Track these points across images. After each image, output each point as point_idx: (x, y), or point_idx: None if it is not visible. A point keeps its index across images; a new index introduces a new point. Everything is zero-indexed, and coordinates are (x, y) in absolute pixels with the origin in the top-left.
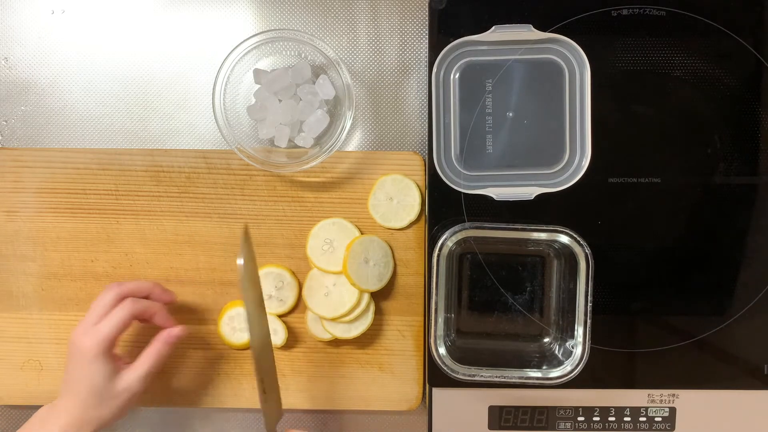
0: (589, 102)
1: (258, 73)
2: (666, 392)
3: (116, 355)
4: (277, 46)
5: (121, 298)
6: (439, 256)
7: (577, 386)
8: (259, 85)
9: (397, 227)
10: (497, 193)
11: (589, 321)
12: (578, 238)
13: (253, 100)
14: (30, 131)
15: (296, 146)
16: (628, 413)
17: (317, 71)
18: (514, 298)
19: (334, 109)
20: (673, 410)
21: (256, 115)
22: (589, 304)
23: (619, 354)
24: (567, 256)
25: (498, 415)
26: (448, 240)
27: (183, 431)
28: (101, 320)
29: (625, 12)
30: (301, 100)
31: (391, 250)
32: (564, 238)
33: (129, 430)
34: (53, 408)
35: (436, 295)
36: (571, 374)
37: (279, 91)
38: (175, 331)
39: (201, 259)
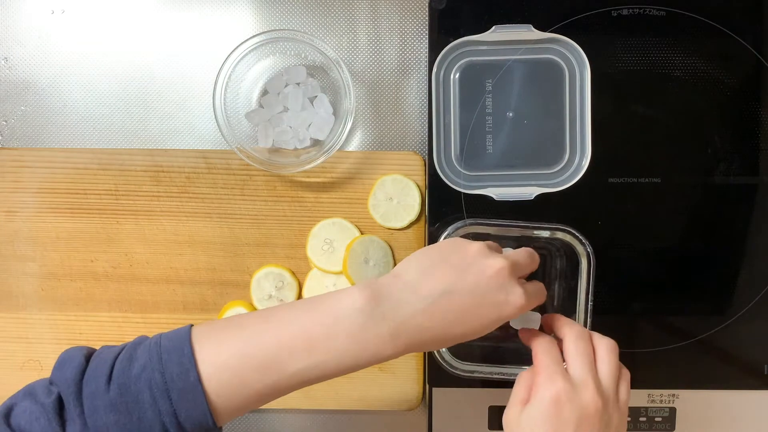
0: (589, 102)
1: (251, 116)
2: (666, 392)
3: None
4: (277, 47)
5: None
6: None
7: None
8: (264, 93)
9: (397, 227)
10: (497, 193)
11: (590, 320)
12: (579, 236)
13: (253, 105)
14: (30, 131)
15: (296, 147)
16: (628, 413)
17: (315, 72)
18: None
19: (334, 108)
20: (673, 410)
21: (256, 120)
22: (590, 303)
23: (619, 354)
24: (568, 254)
25: (498, 415)
26: (449, 237)
27: None
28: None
29: (625, 12)
30: (304, 109)
31: (391, 250)
32: (565, 237)
33: None
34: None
35: None
36: None
37: (274, 116)
38: None
39: (201, 259)
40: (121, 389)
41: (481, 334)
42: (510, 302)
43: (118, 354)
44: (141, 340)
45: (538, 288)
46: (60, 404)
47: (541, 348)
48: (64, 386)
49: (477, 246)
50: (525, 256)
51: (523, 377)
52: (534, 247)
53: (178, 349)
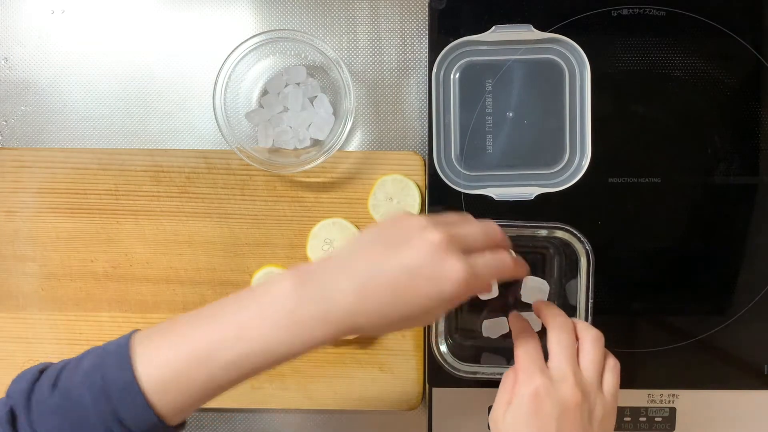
0: (589, 102)
1: (251, 116)
2: (666, 392)
3: None
4: (277, 47)
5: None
6: None
7: None
8: (264, 93)
9: None
10: (497, 193)
11: (590, 318)
12: (578, 235)
13: (253, 105)
14: (30, 131)
15: (296, 147)
16: (628, 413)
17: (315, 72)
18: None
19: (334, 109)
20: (673, 410)
21: (256, 120)
22: (590, 301)
23: (619, 354)
24: (567, 253)
25: None
26: None
27: None
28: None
29: (625, 12)
30: (304, 109)
31: None
32: (564, 235)
33: None
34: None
35: None
36: None
37: (274, 116)
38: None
39: (201, 259)
40: (64, 393)
41: (427, 318)
42: (448, 277)
43: (69, 362)
44: (94, 349)
45: (495, 259)
46: (12, 416)
47: (521, 346)
48: (16, 397)
49: (418, 219)
50: (475, 229)
51: (507, 377)
52: (533, 246)
53: (117, 352)
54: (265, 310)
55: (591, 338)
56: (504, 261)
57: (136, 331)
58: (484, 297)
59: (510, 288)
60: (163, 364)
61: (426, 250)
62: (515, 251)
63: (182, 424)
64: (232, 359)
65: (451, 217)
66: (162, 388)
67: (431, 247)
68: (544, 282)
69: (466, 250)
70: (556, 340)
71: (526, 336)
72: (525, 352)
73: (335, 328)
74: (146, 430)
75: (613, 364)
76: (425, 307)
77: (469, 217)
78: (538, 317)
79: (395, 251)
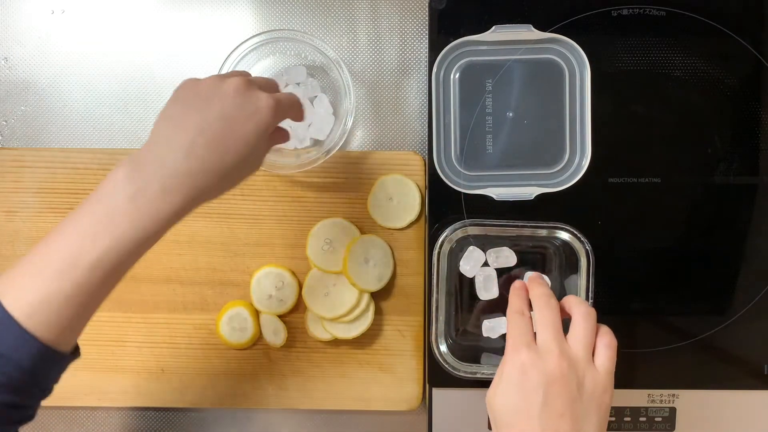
0: (589, 102)
1: None
2: (666, 392)
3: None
4: (277, 47)
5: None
6: (440, 253)
7: None
8: None
9: (397, 227)
10: (497, 193)
11: None
12: (578, 235)
13: None
14: (30, 131)
15: (296, 147)
16: (628, 413)
17: (315, 72)
18: None
19: (334, 109)
20: (673, 410)
21: None
22: (590, 300)
23: (619, 354)
24: (567, 253)
25: None
26: (449, 237)
27: None
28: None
29: (625, 12)
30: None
31: (391, 250)
32: (564, 235)
33: (126, 430)
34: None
35: (437, 292)
36: None
37: None
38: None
39: (201, 259)
40: None
41: (257, 157)
42: (260, 108)
43: None
44: None
45: (286, 94)
46: None
47: (511, 322)
48: None
49: (209, 79)
50: (263, 79)
51: (502, 361)
52: (533, 246)
53: None
54: (108, 204)
55: (581, 313)
56: (292, 96)
57: None
58: (484, 298)
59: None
60: (29, 289)
61: (232, 96)
62: (515, 251)
63: (76, 350)
64: (93, 261)
65: (231, 72)
66: (35, 311)
67: (235, 92)
68: (543, 276)
69: (256, 86)
70: (539, 317)
71: (517, 315)
72: (513, 329)
73: (181, 197)
74: (38, 363)
75: (608, 341)
76: (251, 145)
77: (246, 72)
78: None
79: (206, 109)
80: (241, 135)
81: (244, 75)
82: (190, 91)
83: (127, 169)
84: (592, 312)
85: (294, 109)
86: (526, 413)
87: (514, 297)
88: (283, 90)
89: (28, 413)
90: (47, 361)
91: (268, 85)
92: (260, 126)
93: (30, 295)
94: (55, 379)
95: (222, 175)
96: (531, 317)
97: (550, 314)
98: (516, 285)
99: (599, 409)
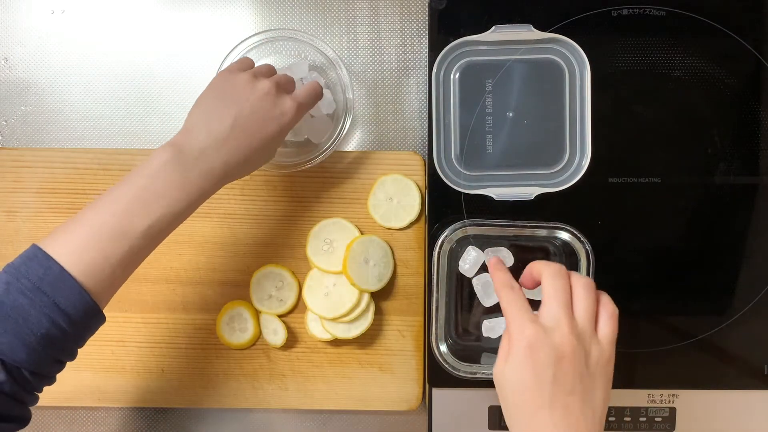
0: (589, 102)
1: None
2: (666, 392)
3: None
4: (277, 46)
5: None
6: (440, 253)
7: None
8: None
9: (397, 227)
10: (497, 193)
11: None
12: (578, 235)
13: None
14: (30, 131)
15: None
16: (628, 413)
17: (315, 72)
18: None
19: (333, 108)
20: (673, 410)
21: None
22: None
23: (619, 354)
24: (567, 253)
25: (498, 415)
26: (449, 237)
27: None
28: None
29: (625, 12)
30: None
31: (391, 250)
32: (564, 235)
33: (126, 430)
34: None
35: (437, 292)
36: None
37: None
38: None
39: (201, 259)
40: None
41: (273, 149)
42: (285, 111)
43: None
44: (2, 272)
45: (307, 90)
46: None
47: (505, 301)
48: None
49: (244, 76)
50: (282, 75)
51: (504, 334)
52: (533, 246)
53: (31, 258)
54: (157, 180)
55: (582, 285)
56: (310, 88)
57: (33, 244)
58: (487, 304)
59: None
60: (82, 250)
61: (263, 98)
62: (515, 251)
63: (103, 315)
64: (146, 228)
65: (260, 68)
66: (88, 269)
67: (266, 95)
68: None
69: (283, 89)
70: (551, 284)
71: (507, 288)
72: (510, 303)
73: (217, 178)
74: (83, 316)
75: (611, 311)
76: (273, 139)
77: (272, 66)
78: (532, 274)
79: (240, 105)
80: (266, 131)
81: (270, 71)
82: (227, 83)
83: (173, 151)
84: (591, 282)
85: (313, 100)
86: (537, 391)
87: (497, 272)
88: None
89: (55, 374)
90: (92, 318)
91: (288, 83)
92: (283, 126)
93: (85, 256)
94: (86, 340)
95: (251, 158)
96: (521, 288)
97: (562, 283)
98: (493, 261)
99: (605, 379)
